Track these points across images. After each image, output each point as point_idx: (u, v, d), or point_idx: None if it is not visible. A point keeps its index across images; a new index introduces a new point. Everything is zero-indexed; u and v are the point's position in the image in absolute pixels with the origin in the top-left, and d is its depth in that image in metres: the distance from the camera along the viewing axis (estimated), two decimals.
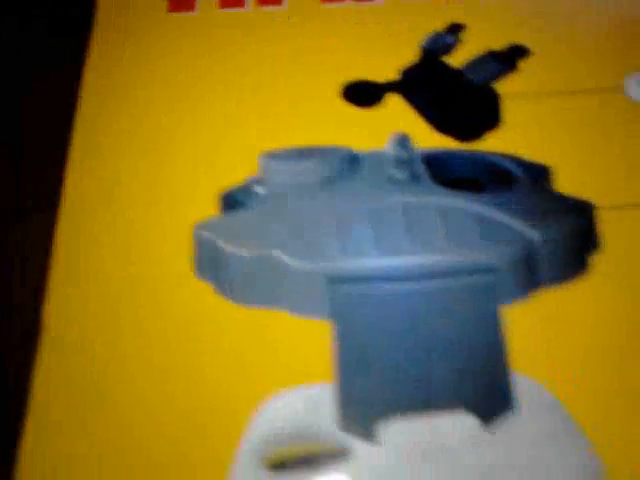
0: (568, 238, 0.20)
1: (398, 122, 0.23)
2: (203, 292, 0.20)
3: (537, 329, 0.19)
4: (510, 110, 0.23)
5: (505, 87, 0.24)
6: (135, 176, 0.23)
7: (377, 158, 0.22)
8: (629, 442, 0.18)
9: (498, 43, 0.25)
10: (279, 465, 0.18)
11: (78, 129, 0.24)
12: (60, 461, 0.18)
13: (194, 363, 0.19)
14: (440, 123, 0.23)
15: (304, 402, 0.19)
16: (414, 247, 0.20)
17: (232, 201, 0.22)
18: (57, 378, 0.19)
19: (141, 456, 0.18)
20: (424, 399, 0.18)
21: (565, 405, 0.18)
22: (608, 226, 0.21)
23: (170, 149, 0.23)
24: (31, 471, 0.18)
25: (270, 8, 0.26)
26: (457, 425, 0.18)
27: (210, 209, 0.22)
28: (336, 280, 0.20)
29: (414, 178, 0.22)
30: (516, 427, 0.18)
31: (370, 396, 0.18)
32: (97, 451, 0.18)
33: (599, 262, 0.21)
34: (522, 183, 0.22)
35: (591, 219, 0.21)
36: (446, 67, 0.24)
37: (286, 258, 0.20)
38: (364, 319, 0.19)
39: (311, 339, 0.19)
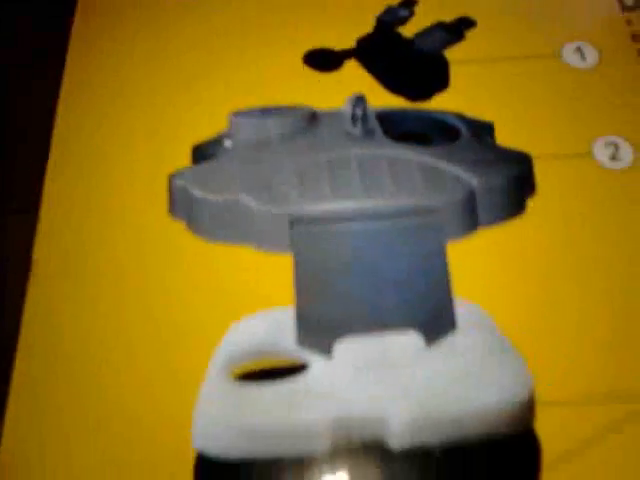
0: (505, 184, 0.23)
1: (355, 85, 0.25)
2: (177, 232, 0.23)
3: (476, 260, 0.22)
4: (457, 74, 0.26)
5: (453, 54, 0.26)
6: (115, 132, 0.25)
7: (335, 116, 0.24)
8: (556, 357, 0.20)
9: (448, 16, 0.27)
10: (244, 377, 0.20)
11: (62, 88, 0.26)
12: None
13: (170, 294, 0.21)
14: (393, 85, 0.25)
15: (268, 323, 0.21)
16: (366, 192, 0.22)
17: (203, 153, 0.24)
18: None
19: (119, 374, 0.20)
20: (374, 321, 0.21)
21: (498, 324, 0.21)
22: (542, 173, 0.23)
23: (146, 109, 0.25)
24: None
25: None
26: (403, 342, 0.20)
27: (184, 161, 0.24)
28: (296, 221, 0.22)
29: (368, 133, 0.24)
30: (455, 343, 0.20)
31: (325, 318, 0.21)
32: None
33: (534, 205, 0.23)
34: (466, 137, 0.24)
35: (527, 167, 0.23)
36: (399, 36, 0.27)
37: (251, 202, 0.22)
38: (320, 253, 0.21)
39: (274, 270, 0.22)
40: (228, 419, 0.19)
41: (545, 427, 0.19)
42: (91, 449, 0.19)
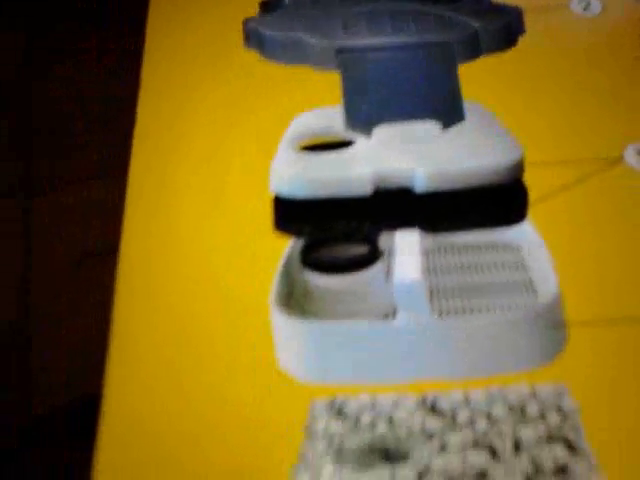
0: (501, 27, 0.30)
1: None
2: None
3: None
4: None
5: None
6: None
7: None
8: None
9: None
10: (308, 149, 0.27)
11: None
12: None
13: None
14: None
15: (324, 115, 0.28)
16: (394, 32, 0.29)
17: (269, 7, 0.31)
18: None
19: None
20: (403, 112, 0.27)
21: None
22: (531, 24, 0.30)
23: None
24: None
25: None
26: (425, 128, 0.27)
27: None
28: (341, 50, 0.29)
29: None
30: (464, 128, 0.27)
31: (366, 111, 0.28)
32: None
33: (524, 40, 0.30)
34: None
35: (517, 15, 0.30)
36: None
37: (308, 37, 0.29)
38: (360, 70, 0.29)
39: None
40: (296, 171, 0.26)
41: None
42: None
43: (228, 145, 0.28)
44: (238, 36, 0.30)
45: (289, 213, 0.26)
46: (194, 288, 0.24)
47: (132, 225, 0.26)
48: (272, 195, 0.26)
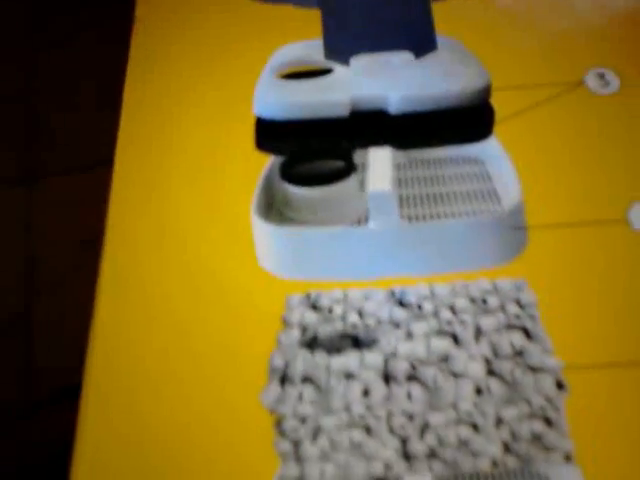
0: None
1: None
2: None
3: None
4: None
5: None
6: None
7: None
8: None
9: None
10: (289, 77, 0.29)
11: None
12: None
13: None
14: None
15: (304, 46, 0.29)
16: None
17: None
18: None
19: None
20: (379, 44, 0.29)
21: None
22: None
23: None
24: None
25: None
26: (399, 57, 0.29)
27: None
28: None
29: None
30: (436, 57, 0.29)
31: (344, 42, 0.29)
32: None
33: None
34: None
35: None
36: None
37: None
38: (339, 2, 0.30)
39: None
40: (277, 95, 0.28)
41: None
42: None
43: (210, 81, 0.30)
44: None
45: (270, 134, 0.28)
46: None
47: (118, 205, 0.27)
48: (255, 118, 0.28)
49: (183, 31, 0.31)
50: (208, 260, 0.25)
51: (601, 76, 0.28)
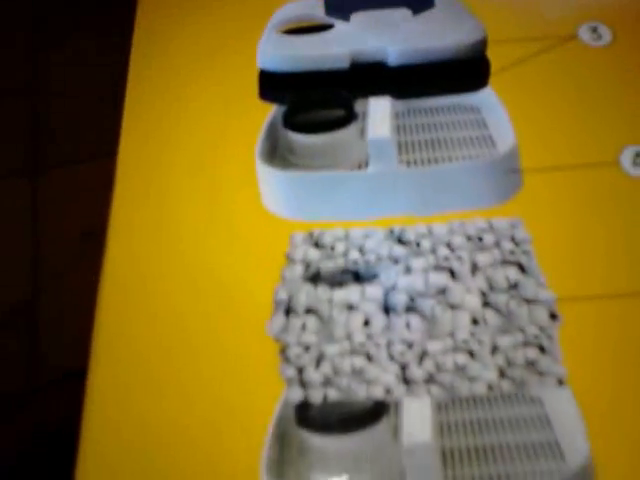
0: None
1: None
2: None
3: None
4: None
5: None
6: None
7: None
8: None
9: None
10: (288, 32, 0.30)
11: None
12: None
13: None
14: None
15: (306, 5, 0.30)
16: None
17: None
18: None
19: None
20: (378, 1, 0.30)
21: None
22: None
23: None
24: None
25: None
26: (397, 13, 0.30)
27: None
28: None
29: None
30: (433, 14, 0.30)
31: None
32: None
33: None
34: None
35: None
36: None
37: None
38: None
39: None
40: (280, 48, 0.29)
41: None
42: None
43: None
44: None
45: (273, 85, 0.28)
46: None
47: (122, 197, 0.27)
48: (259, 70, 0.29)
49: (184, 26, 0.31)
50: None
51: (594, 29, 0.29)
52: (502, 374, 0.22)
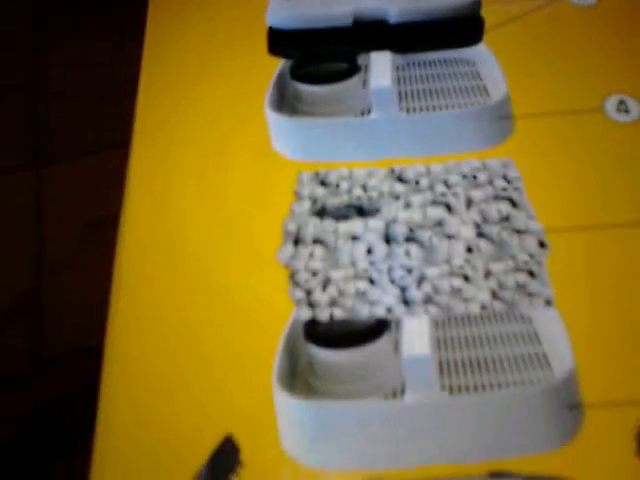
0: None
1: None
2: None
3: None
4: None
5: None
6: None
7: None
8: None
9: None
10: None
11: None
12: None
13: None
14: None
15: None
16: None
17: None
18: None
19: None
20: None
21: None
22: None
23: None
24: None
25: None
26: None
27: None
28: None
29: None
30: None
31: None
32: None
33: None
34: None
35: None
36: None
37: None
38: None
39: None
40: (287, 7, 0.31)
41: None
42: None
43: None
44: None
45: (281, 41, 0.30)
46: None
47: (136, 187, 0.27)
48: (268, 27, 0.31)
49: (194, 25, 0.32)
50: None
51: None
52: (494, 296, 0.24)
